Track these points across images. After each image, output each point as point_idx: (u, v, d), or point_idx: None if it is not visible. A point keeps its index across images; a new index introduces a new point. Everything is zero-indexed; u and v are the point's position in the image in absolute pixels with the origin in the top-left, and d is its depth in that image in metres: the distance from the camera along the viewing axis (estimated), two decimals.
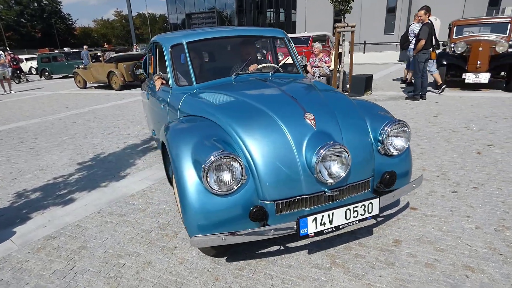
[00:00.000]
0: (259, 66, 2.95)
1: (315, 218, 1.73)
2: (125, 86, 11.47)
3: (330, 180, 1.77)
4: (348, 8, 8.24)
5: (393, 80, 9.83)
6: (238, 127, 1.91)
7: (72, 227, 2.64)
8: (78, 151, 4.64)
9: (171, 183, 2.64)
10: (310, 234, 1.74)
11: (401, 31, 18.59)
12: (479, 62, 7.04)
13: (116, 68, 11.26)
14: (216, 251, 2.07)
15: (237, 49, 3.29)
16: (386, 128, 2.03)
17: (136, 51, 17.31)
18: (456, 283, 1.80)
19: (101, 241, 2.42)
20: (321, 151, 1.72)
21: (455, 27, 8.28)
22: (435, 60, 6.93)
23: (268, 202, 1.77)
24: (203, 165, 1.64)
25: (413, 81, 7.02)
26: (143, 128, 5.66)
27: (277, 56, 3.66)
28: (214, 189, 1.69)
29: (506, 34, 7.79)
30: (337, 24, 7.01)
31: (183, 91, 2.70)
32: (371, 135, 2.06)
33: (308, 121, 1.90)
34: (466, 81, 7.16)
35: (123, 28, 68.00)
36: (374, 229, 2.34)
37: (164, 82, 3.14)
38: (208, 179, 1.67)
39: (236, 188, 1.72)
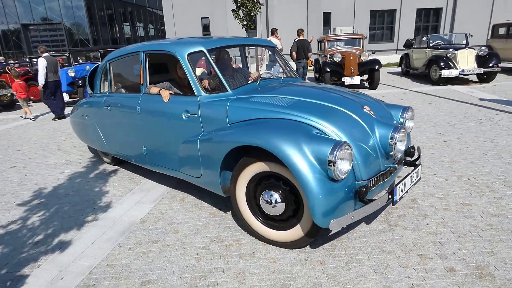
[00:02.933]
0: (261, 73, 3.11)
1: (399, 187, 2.13)
2: None
3: (399, 155, 2.22)
4: (251, 24, 9.00)
5: None
6: (324, 121, 2.13)
7: (104, 268, 2.20)
8: (1, 192, 3.58)
9: (224, 192, 2.53)
10: (397, 200, 2.14)
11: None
12: (352, 68, 8.92)
13: None
14: (299, 243, 2.19)
15: (229, 58, 3.34)
16: (404, 114, 2.63)
17: None
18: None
19: (163, 270, 2.14)
20: (396, 134, 2.15)
21: (327, 42, 10.17)
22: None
23: (363, 182, 2.06)
24: (330, 156, 1.80)
25: None
26: (70, 154, 4.76)
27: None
28: (339, 177, 1.86)
29: (360, 46, 10.10)
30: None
31: (220, 98, 2.58)
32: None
33: (368, 111, 2.30)
34: (346, 83, 8.93)
35: None
36: None
37: (171, 92, 2.91)
38: (335, 169, 1.82)
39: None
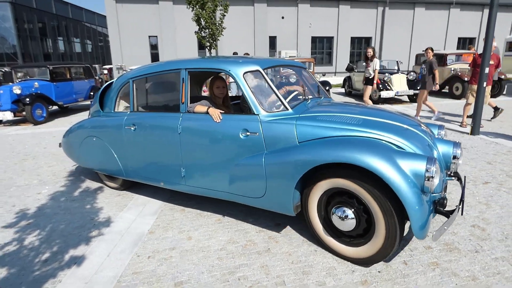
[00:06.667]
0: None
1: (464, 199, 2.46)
2: None
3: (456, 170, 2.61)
4: (214, 44, 9.34)
5: None
6: (399, 137, 2.27)
7: (131, 276, 2.30)
8: None
9: (296, 210, 2.51)
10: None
11: None
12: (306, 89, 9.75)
13: None
14: (374, 259, 2.23)
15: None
16: (441, 132, 2.97)
17: None
18: None
19: (191, 271, 2.32)
20: (457, 150, 2.52)
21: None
22: None
23: (437, 194, 2.23)
24: (428, 171, 1.95)
25: None
26: (40, 175, 4.53)
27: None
28: (432, 191, 1.98)
29: (311, 69, 11.08)
30: None
31: (284, 117, 2.55)
32: None
33: (425, 129, 2.67)
34: None
35: None
36: None
37: (221, 111, 2.82)
38: (432, 183, 1.95)
39: None
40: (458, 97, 10.55)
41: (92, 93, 11.34)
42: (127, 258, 2.52)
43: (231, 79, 8.68)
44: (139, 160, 3.29)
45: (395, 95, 9.69)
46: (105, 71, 23.01)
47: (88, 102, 11.42)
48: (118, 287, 2.19)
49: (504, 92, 10.83)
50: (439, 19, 22.91)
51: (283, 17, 20.84)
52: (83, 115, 9.83)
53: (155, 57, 20.91)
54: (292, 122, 2.48)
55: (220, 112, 2.77)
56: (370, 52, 7.34)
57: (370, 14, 21.88)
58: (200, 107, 2.87)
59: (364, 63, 7.84)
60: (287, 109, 2.61)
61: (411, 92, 9.82)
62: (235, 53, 9.36)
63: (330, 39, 22.01)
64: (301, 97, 3.03)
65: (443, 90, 11.94)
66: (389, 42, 22.23)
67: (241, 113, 2.80)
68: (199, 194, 3.03)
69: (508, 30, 23.49)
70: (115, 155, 3.44)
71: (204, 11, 8.88)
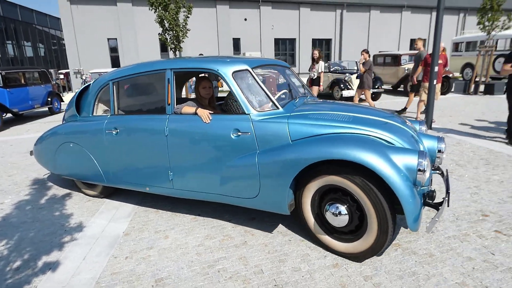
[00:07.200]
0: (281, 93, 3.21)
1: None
2: None
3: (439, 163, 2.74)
4: (179, 46, 9.23)
5: None
6: (389, 133, 2.33)
7: (110, 277, 2.30)
8: None
9: (290, 209, 2.50)
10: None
11: None
12: (272, 89, 9.97)
13: None
14: (367, 254, 2.27)
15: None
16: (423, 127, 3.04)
17: None
18: None
19: (170, 268, 2.37)
20: (441, 145, 2.64)
21: None
22: None
23: (424, 187, 2.28)
24: (420, 164, 2.02)
25: None
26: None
27: None
28: (423, 183, 2.04)
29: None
30: None
31: (275, 116, 2.55)
32: None
33: (410, 125, 2.75)
34: None
35: None
36: None
37: (211, 111, 2.79)
38: (424, 176, 2.02)
39: None
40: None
41: (49, 99, 10.80)
42: (104, 260, 2.51)
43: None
44: (122, 165, 3.17)
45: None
46: (61, 76, 21.89)
47: (45, 109, 10.86)
48: (97, 287, 2.20)
49: (452, 89, 11.79)
50: (393, 22, 24.34)
51: (245, 19, 21.07)
52: (41, 123, 9.35)
53: (115, 60, 20.25)
54: (284, 121, 2.48)
55: (209, 113, 2.73)
56: (316, 54, 7.72)
57: (329, 17, 22.74)
58: (188, 108, 2.82)
59: (311, 64, 8.21)
60: (278, 108, 2.60)
61: (370, 91, 10.39)
62: (200, 54, 9.34)
63: (292, 41, 22.58)
64: (284, 96, 3.04)
65: (398, 89, 12.76)
66: (348, 43, 23.24)
67: (231, 113, 2.76)
68: (187, 198, 2.96)
69: (455, 32, 25.51)
70: (95, 161, 3.30)
71: (167, 13, 8.80)
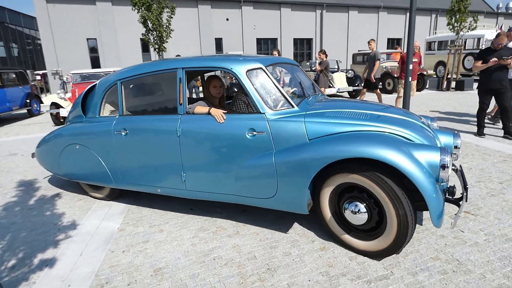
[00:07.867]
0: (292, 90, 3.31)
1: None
2: None
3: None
4: (163, 47, 9.22)
5: None
6: (408, 130, 2.32)
7: (109, 269, 2.39)
8: None
9: (308, 207, 2.47)
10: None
11: None
12: None
13: None
14: (387, 252, 2.24)
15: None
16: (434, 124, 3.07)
17: None
18: None
19: (167, 258, 2.48)
20: (458, 141, 2.66)
21: None
22: None
23: (444, 183, 2.26)
24: (443, 161, 2.01)
25: None
26: None
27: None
28: (446, 180, 2.04)
29: None
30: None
31: (291, 115, 2.52)
32: None
33: (425, 121, 2.76)
34: None
35: None
36: None
37: (224, 111, 2.73)
38: (446, 172, 2.01)
39: None
40: (390, 92, 11.76)
41: (28, 101, 10.55)
42: (101, 255, 2.59)
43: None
44: (131, 167, 3.11)
45: (337, 91, 10.51)
46: (38, 77, 21.24)
47: (24, 111, 10.60)
48: (97, 280, 2.28)
49: (427, 86, 12.33)
50: (370, 22, 25.02)
51: (227, 19, 21.13)
52: (20, 125, 9.14)
53: (95, 60, 19.86)
54: (300, 120, 2.45)
55: (223, 112, 2.69)
56: (275, 54, 7.94)
57: (310, 17, 23.13)
58: (200, 108, 2.77)
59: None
60: (293, 107, 2.56)
61: (351, 88, 10.74)
62: (177, 55, 9.38)
63: (274, 41, 22.82)
64: (295, 94, 3.07)
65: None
66: (328, 43, 23.71)
67: (239, 113, 2.69)
68: (200, 199, 2.93)
69: (428, 32, 26.48)
70: (103, 163, 3.24)
71: (150, 13, 8.79)
